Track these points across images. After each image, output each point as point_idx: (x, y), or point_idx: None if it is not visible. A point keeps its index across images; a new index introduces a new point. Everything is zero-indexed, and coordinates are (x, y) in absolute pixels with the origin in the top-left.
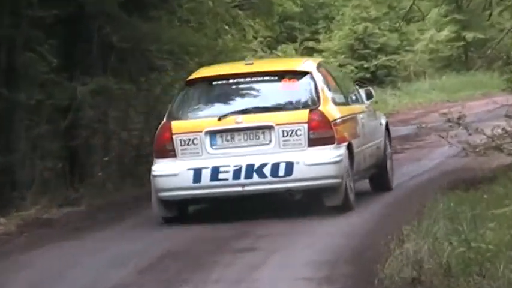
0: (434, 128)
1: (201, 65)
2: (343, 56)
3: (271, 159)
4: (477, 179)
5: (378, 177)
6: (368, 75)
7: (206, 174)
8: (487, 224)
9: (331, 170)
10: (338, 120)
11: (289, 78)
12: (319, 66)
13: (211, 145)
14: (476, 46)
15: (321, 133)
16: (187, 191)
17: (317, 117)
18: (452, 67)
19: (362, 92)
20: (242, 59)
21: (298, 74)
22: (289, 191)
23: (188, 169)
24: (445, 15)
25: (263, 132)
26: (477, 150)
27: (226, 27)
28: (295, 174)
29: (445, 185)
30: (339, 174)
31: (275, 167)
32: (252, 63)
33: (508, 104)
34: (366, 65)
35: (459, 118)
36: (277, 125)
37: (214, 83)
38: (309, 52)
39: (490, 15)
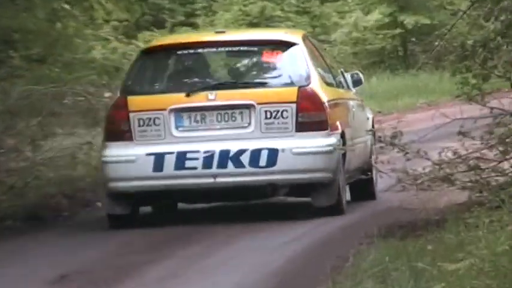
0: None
1: (28, 58)
2: None
3: (250, 146)
4: (419, 223)
5: (363, 183)
6: None
7: (170, 162)
8: (433, 286)
9: (323, 162)
10: (331, 103)
11: (272, 50)
12: (305, 37)
13: (177, 126)
14: (419, 35)
15: (311, 116)
16: (145, 182)
17: (308, 96)
18: (385, 65)
19: (348, 76)
20: (89, 50)
21: (283, 45)
22: (271, 185)
23: (147, 154)
24: None
25: (241, 113)
26: (419, 182)
27: (67, 6)
28: (280, 164)
29: (375, 230)
30: (332, 167)
31: (255, 154)
32: (223, 32)
33: (462, 118)
34: None
35: (394, 137)
36: (259, 104)
37: (179, 52)
38: None
39: None
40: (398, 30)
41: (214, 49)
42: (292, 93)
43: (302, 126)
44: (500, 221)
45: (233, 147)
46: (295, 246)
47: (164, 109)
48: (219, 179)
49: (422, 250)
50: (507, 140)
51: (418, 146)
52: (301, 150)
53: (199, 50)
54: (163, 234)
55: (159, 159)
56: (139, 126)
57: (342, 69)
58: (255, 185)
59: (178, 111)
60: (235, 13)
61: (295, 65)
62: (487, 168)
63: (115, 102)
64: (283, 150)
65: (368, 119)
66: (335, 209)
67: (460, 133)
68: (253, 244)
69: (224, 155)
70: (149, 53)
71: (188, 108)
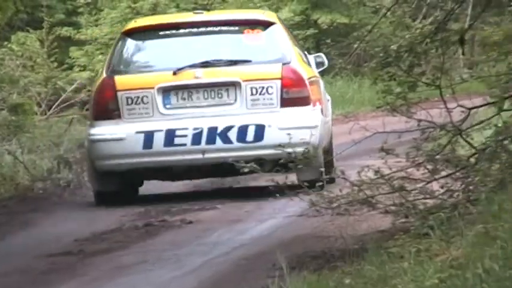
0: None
1: None
2: None
3: (237, 122)
4: (335, 253)
5: (325, 165)
6: None
7: (159, 139)
8: None
9: (309, 136)
10: (310, 80)
11: (252, 29)
12: (278, 18)
13: (165, 104)
14: (336, 36)
15: (295, 92)
16: (135, 159)
17: (291, 73)
18: None
19: (312, 58)
20: None
21: (262, 24)
22: (260, 160)
23: (137, 132)
24: None
25: (227, 90)
26: (335, 205)
27: None
28: (267, 139)
29: (284, 262)
30: (316, 141)
31: (242, 130)
32: (202, 13)
33: (385, 131)
34: None
35: (305, 153)
36: (245, 81)
37: (161, 32)
38: (65, 44)
39: None
40: (311, 31)
41: (195, 29)
42: (276, 70)
43: (287, 102)
44: (429, 251)
45: (221, 123)
46: (189, 282)
47: (152, 87)
48: (208, 155)
49: (339, 284)
50: (436, 157)
51: (334, 164)
52: (288, 125)
53: (181, 30)
54: None
55: (149, 136)
56: (127, 104)
57: (305, 52)
58: (243, 160)
59: (166, 90)
60: (123, 11)
61: (276, 43)
62: (414, 190)
63: (102, 81)
64: (269, 125)
65: (328, 100)
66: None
67: (382, 149)
68: (141, 278)
69: (212, 131)
70: (130, 34)
71: (175, 86)
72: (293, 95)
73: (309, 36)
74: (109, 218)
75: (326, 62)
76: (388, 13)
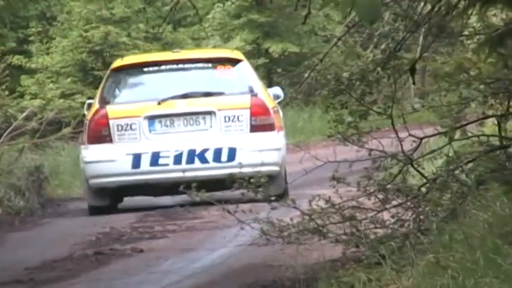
0: (217, 197)
1: None
2: (69, 79)
3: (213, 145)
4: (285, 283)
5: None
6: None
7: (146, 159)
8: None
9: (274, 157)
10: (273, 109)
11: (224, 65)
12: (245, 56)
13: (150, 130)
14: (287, 65)
15: (262, 119)
16: (125, 177)
17: (259, 103)
18: None
19: (270, 90)
20: None
21: (232, 61)
22: (231, 176)
23: (127, 154)
24: (236, 14)
25: (204, 118)
26: (285, 234)
27: None
28: (238, 159)
29: None
30: (280, 161)
31: (217, 152)
32: (179, 51)
33: (336, 161)
34: None
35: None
36: (219, 110)
37: (145, 69)
38: (16, 73)
39: (307, 15)
40: (262, 60)
41: (175, 65)
42: (245, 100)
43: (255, 128)
44: (380, 280)
45: (198, 146)
46: None
47: (139, 116)
48: (188, 173)
49: None
50: (387, 187)
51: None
52: (255, 148)
53: (163, 67)
54: None
55: (137, 157)
56: (118, 130)
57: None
58: (217, 177)
59: (151, 118)
60: (75, 39)
61: (244, 77)
62: (365, 219)
63: (95, 111)
64: (240, 148)
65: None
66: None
67: (333, 178)
68: None
69: (191, 153)
70: (118, 70)
71: (159, 115)
72: (260, 122)
73: (260, 65)
74: (60, 246)
75: (282, 95)
76: (339, 42)
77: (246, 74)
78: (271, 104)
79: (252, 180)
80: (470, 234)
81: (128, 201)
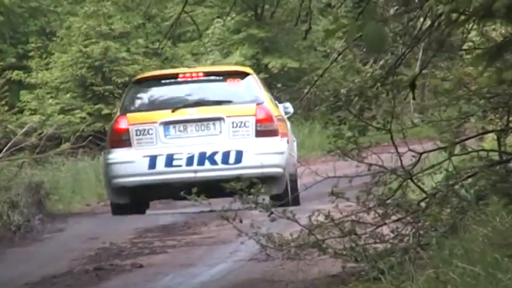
0: (217, 211)
1: None
2: (68, 94)
3: (222, 148)
4: None
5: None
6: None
7: (161, 161)
8: None
9: (276, 160)
10: (278, 117)
11: (234, 78)
12: (253, 71)
13: (165, 135)
14: (286, 81)
15: (266, 126)
16: (142, 177)
17: (263, 111)
18: None
19: (281, 106)
20: None
21: (241, 74)
22: (238, 178)
23: (144, 156)
24: (235, 30)
25: (214, 123)
26: (285, 249)
27: None
28: (244, 162)
29: None
30: (282, 163)
31: (226, 155)
32: (195, 67)
33: (335, 176)
34: (105, 111)
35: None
36: (227, 117)
37: (163, 81)
38: (15, 88)
39: (307, 31)
40: (262, 75)
41: (189, 78)
42: (251, 108)
43: (260, 133)
44: None
45: (208, 149)
46: None
47: (155, 122)
48: (199, 174)
49: None
50: (387, 202)
51: (284, 208)
52: (260, 151)
53: (178, 79)
54: None
55: (153, 159)
56: (136, 135)
57: (276, 102)
58: (226, 178)
59: (167, 124)
60: (74, 54)
61: (251, 89)
62: (364, 234)
63: (117, 118)
64: (246, 151)
65: (294, 141)
66: (282, 197)
67: (333, 193)
68: None
69: (202, 155)
70: (139, 82)
71: (174, 121)
72: (265, 128)
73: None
74: (60, 261)
75: (292, 110)
76: (339, 58)
77: (253, 85)
78: (275, 112)
79: (252, 190)
80: (470, 249)
81: (126, 217)
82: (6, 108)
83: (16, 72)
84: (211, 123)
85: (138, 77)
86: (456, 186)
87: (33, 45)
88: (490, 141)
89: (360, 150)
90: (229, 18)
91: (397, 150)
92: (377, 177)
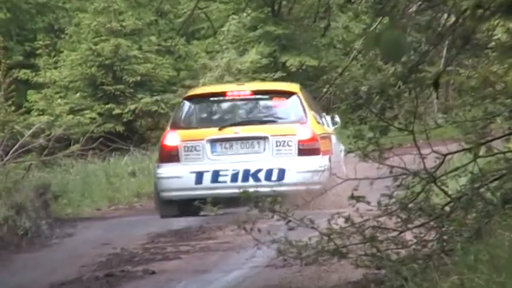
0: (232, 215)
1: None
2: (77, 94)
3: (265, 166)
4: None
5: None
6: (120, 128)
7: (207, 177)
8: None
9: (317, 177)
10: (321, 136)
11: (279, 97)
12: (301, 89)
13: (212, 152)
14: (304, 79)
15: (308, 145)
16: (189, 192)
17: (305, 131)
18: None
19: (328, 117)
20: None
21: (287, 94)
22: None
23: (191, 172)
24: (252, 27)
25: (258, 142)
26: (304, 255)
27: None
28: (287, 179)
29: None
30: (322, 180)
31: (269, 172)
32: (243, 84)
33: (356, 178)
34: (116, 111)
35: (273, 202)
36: (271, 136)
37: (212, 98)
38: (23, 87)
39: (326, 28)
40: (279, 74)
41: (237, 96)
42: (294, 128)
43: (302, 152)
44: None
45: (253, 167)
46: None
47: (203, 139)
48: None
49: None
50: (410, 206)
51: (303, 213)
52: (302, 169)
53: (226, 97)
54: None
55: (199, 175)
56: (185, 151)
57: (323, 113)
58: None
59: (213, 141)
60: (83, 53)
61: (296, 108)
62: (386, 240)
63: (167, 134)
64: (289, 169)
65: (341, 150)
66: None
67: (353, 197)
68: None
69: (246, 172)
70: (189, 99)
71: (220, 139)
72: (307, 147)
73: (277, 79)
74: (69, 267)
75: (339, 121)
76: (359, 55)
77: (297, 105)
78: (318, 131)
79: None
80: (496, 254)
81: (138, 221)
82: (13, 108)
83: (23, 71)
84: (255, 141)
85: (189, 93)
86: (481, 189)
87: (40, 42)
88: None
89: (381, 152)
90: (245, 14)
91: (419, 151)
92: (399, 180)
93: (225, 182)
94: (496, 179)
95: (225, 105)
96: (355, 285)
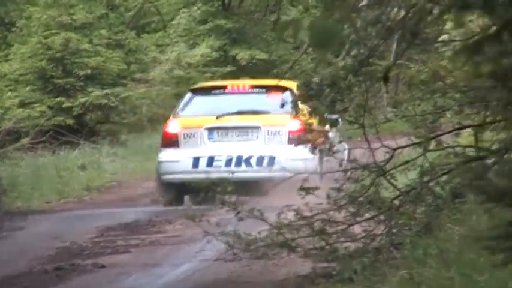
0: (182, 210)
1: None
2: (27, 87)
3: (257, 153)
4: None
5: None
6: (70, 122)
7: (203, 162)
8: None
9: (305, 165)
10: (312, 128)
11: (275, 92)
12: (297, 85)
13: (209, 138)
14: (255, 73)
15: (298, 135)
16: (187, 175)
17: (296, 122)
18: None
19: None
20: None
21: (282, 89)
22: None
23: (188, 157)
24: (202, 20)
25: (252, 131)
26: (253, 248)
27: None
28: (276, 165)
29: None
30: (311, 169)
31: (260, 158)
32: (244, 81)
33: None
34: (66, 104)
35: (223, 191)
36: (264, 125)
37: (213, 91)
38: None
39: (276, 21)
40: (229, 67)
41: (236, 90)
42: (285, 119)
43: (292, 141)
44: None
45: (245, 153)
46: None
47: (201, 127)
48: (235, 174)
49: None
50: (359, 199)
51: (253, 205)
52: (291, 157)
53: (226, 90)
54: None
55: (196, 160)
56: (184, 138)
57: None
58: (259, 179)
59: (211, 129)
60: (34, 46)
61: (289, 101)
62: (335, 233)
63: (170, 122)
64: (278, 156)
65: (345, 149)
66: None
67: (302, 189)
68: None
69: (239, 158)
70: (194, 91)
71: (217, 127)
72: (296, 137)
73: (227, 73)
74: (18, 261)
75: (340, 121)
76: (310, 49)
77: (290, 98)
78: (310, 123)
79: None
80: (446, 249)
81: (88, 215)
82: None
83: None
84: (249, 130)
85: (194, 86)
86: (431, 183)
87: None
88: (466, 136)
89: (331, 145)
90: (195, 8)
91: (369, 145)
92: (348, 173)
93: (219, 166)
94: (445, 173)
95: (224, 98)
96: (304, 279)
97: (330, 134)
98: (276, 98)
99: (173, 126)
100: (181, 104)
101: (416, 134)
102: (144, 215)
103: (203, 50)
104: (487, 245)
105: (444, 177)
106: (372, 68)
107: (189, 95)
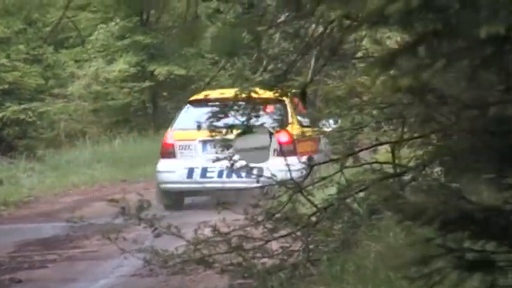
0: (100, 225)
1: None
2: None
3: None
4: None
5: None
6: None
7: (197, 172)
8: None
9: (292, 175)
10: (303, 138)
11: (269, 104)
12: (291, 98)
13: (203, 151)
14: (173, 89)
15: (286, 146)
16: (182, 185)
17: (283, 134)
18: (131, 124)
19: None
20: None
21: (275, 102)
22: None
23: (184, 168)
24: (120, 36)
25: None
26: (170, 264)
27: None
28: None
29: None
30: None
31: (249, 170)
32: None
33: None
34: None
35: (140, 208)
36: None
37: (210, 103)
38: None
39: (195, 37)
40: (147, 83)
41: (231, 102)
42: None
43: (279, 153)
44: None
45: (236, 165)
46: None
47: (195, 139)
48: (227, 184)
49: None
50: (277, 216)
51: (170, 221)
52: (277, 168)
53: (222, 102)
54: None
55: (191, 170)
56: (179, 149)
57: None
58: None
59: (204, 141)
60: None
61: (279, 114)
62: (252, 249)
63: (167, 134)
64: (267, 167)
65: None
66: None
67: (219, 204)
68: None
69: (230, 170)
70: (191, 102)
71: (210, 140)
72: (285, 148)
73: (145, 88)
74: None
75: (334, 125)
76: (228, 65)
77: (281, 111)
78: (299, 133)
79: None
80: (362, 265)
81: (5, 230)
82: None
83: None
84: None
85: (191, 98)
86: (348, 200)
87: None
88: (384, 153)
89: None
90: (113, 23)
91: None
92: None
93: (212, 177)
94: (362, 190)
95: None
96: None
97: (321, 137)
98: (269, 109)
99: (170, 138)
100: (179, 116)
101: (333, 150)
102: (61, 230)
103: (121, 65)
104: (407, 274)
105: (361, 194)
106: (289, 84)
107: (186, 107)
